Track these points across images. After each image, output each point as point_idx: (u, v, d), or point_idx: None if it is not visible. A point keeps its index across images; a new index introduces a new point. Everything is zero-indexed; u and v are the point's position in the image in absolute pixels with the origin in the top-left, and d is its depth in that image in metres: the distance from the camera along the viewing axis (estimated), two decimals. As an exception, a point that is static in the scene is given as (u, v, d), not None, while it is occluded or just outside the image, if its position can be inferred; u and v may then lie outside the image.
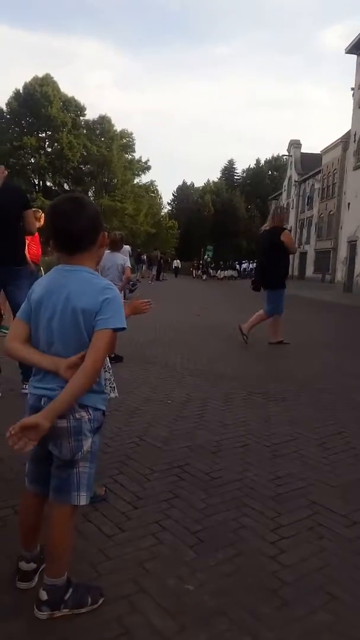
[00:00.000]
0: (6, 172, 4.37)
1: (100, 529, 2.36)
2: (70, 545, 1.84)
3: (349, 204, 26.69)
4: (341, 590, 2.01)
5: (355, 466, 3.26)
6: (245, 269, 48.17)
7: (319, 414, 4.38)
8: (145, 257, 32.56)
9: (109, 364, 3.18)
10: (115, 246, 6.05)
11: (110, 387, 3.15)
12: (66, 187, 47.76)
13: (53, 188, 47.69)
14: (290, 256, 8.68)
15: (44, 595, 1.76)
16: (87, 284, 1.72)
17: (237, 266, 49.64)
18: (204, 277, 42.89)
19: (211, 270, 45.62)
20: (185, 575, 2.04)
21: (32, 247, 6.95)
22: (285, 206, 51.52)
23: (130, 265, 6.51)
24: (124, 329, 1.74)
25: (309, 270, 43.59)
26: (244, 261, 50.26)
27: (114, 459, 3.15)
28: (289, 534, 2.39)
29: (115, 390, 3.15)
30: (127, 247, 16.27)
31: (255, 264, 42.47)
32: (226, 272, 46.45)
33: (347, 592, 2.00)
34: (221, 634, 1.73)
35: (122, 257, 6.20)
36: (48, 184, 48.67)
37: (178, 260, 45.33)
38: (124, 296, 9.06)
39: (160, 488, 2.79)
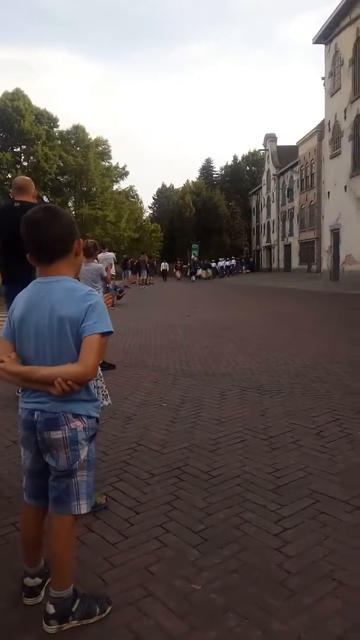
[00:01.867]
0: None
1: (104, 537, 2.35)
2: (73, 556, 1.84)
3: (328, 192, 26.84)
4: (347, 575, 2.02)
5: (353, 452, 3.28)
6: (222, 267, 44.72)
7: (314, 404, 4.40)
8: (131, 262, 32.29)
9: (100, 372, 3.18)
10: (88, 253, 5.76)
11: (103, 394, 3.15)
12: (45, 199, 47.54)
13: (32, 201, 47.46)
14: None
15: (51, 609, 1.75)
16: (69, 293, 1.71)
17: (214, 264, 45.39)
18: (193, 278, 38.05)
19: (200, 270, 40.92)
20: (191, 575, 2.04)
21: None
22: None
23: (105, 274, 6.38)
24: (111, 332, 1.73)
25: (295, 262, 43.80)
26: (220, 259, 46.36)
27: (112, 467, 3.15)
28: (292, 525, 2.41)
29: (108, 398, 3.15)
30: (111, 254, 16.29)
31: (232, 261, 40.46)
32: (205, 271, 42.23)
33: (353, 577, 2.01)
34: (231, 630, 1.74)
35: (97, 266, 6.13)
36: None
37: (166, 263, 42.08)
38: (112, 303, 9.06)
39: (160, 491, 2.80)
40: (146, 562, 2.14)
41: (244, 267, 51.58)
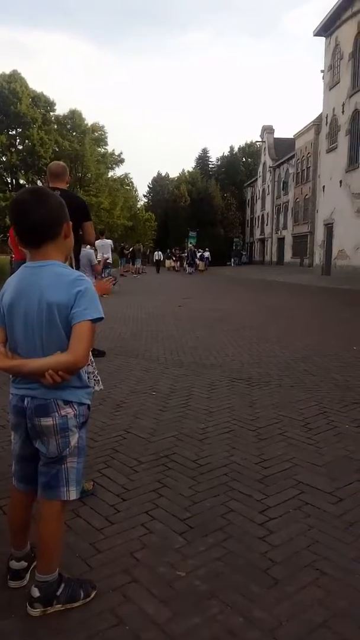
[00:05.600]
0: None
1: (90, 523, 2.36)
2: (60, 541, 1.85)
3: (323, 187, 26.84)
4: (330, 565, 2.05)
5: (339, 444, 3.32)
6: (208, 258, 38.54)
7: (302, 396, 4.43)
8: (127, 251, 31.93)
9: (92, 357, 3.18)
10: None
11: (95, 380, 3.15)
12: (39, 183, 47.19)
13: (26, 185, 47.10)
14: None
15: (36, 592, 1.76)
16: (58, 278, 1.69)
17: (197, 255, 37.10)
18: (190, 270, 33.37)
19: (197, 261, 35.23)
20: (176, 562, 2.06)
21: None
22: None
23: (95, 261, 6.39)
24: (101, 318, 1.72)
25: (287, 255, 43.86)
26: (199, 250, 38.28)
27: (100, 453, 3.15)
28: (277, 515, 2.43)
29: (100, 383, 3.15)
30: (108, 242, 16.23)
31: (206, 252, 35.47)
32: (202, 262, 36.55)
33: (335, 567, 2.04)
34: (214, 617, 1.76)
35: (88, 252, 6.13)
36: (21, 181, 48.01)
37: (159, 252, 38.20)
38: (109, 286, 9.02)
39: (148, 478, 2.81)
40: (131, 548, 2.15)
41: (232, 260, 50.64)
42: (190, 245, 39.25)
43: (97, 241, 8.79)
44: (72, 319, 1.66)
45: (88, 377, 3.00)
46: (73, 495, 1.78)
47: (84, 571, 2.00)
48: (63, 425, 1.72)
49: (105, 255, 13.39)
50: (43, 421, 1.70)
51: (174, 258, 40.39)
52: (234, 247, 54.46)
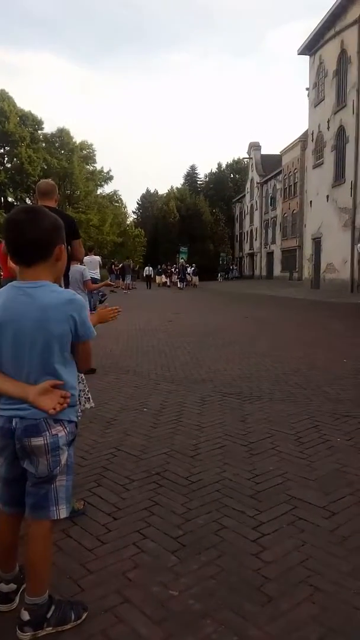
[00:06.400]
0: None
1: (81, 543, 2.33)
2: (50, 562, 1.81)
3: (310, 202, 27.16)
4: (324, 581, 2.03)
5: (331, 458, 3.31)
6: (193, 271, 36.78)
7: (294, 410, 4.43)
8: (116, 267, 31.92)
9: (82, 375, 3.17)
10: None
11: (85, 397, 3.14)
12: (28, 201, 47.26)
13: (15, 203, 47.14)
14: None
15: (25, 616, 1.72)
16: (53, 304, 1.68)
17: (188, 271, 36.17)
18: (181, 285, 32.88)
19: (188, 276, 34.90)
20: (169, 582, 2.03)
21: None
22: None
23: (89, 278, 6.39)
24: (94, 336, 1.77)
25: (277, 269, 44.17)
26: (189, 266, 37.36)
27: (91, 472, 3.12)
28: (270, 531, 2.41)
29: (91, 400, 3.14)
30: (97, 258, 16.21)
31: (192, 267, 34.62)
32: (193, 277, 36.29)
33: (329, 583, 2.02)
34: (208, 637, 1.73)
35: (80, 268, 6.12)
36: (10, 199, 48.09)
37: (150, 268, 37.12)
38: (94, 307, 9.01)
39: (139, 497, 2.78)
40: (123, 568, 2.12)
41: (220, 275, 49.85)
42: (181, 260, 38.89)
43: (85, 257, 8.80)
44: (74, 341, 1.74)
45: (79, 395, 2.99)
46: (63, 513, 1.76)
47: (75, 592, 1.97)
48: (54, 444, 1.70)
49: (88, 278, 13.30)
50: (34, 441, 1.68)
51: (165, 274, 39.68)
52: (220, 262, 53.93)
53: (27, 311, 1.67)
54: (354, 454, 3.37)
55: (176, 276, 35.81)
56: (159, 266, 41.39)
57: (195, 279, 35.89)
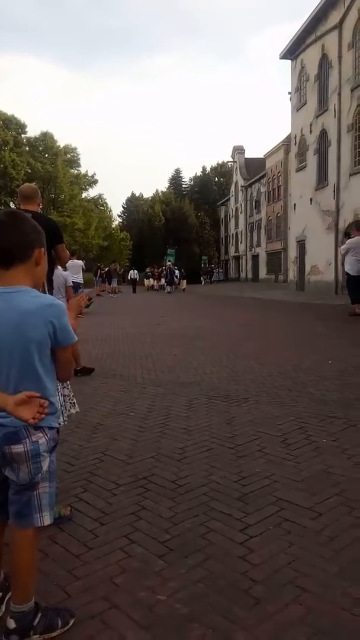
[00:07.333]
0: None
1: (67, 549, 2.31)
2: (35, 569, 1.80)
3: (294, 204, 27.35)
4: (311, 582, 2.04)
5: (317, 459, 3.33)
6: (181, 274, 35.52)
7: (280, 412, 4.45)
8: (102, 270, 31.71)
9: (67, 381, 3.14)
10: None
11: (70, 402, 3.11)
12: (12, 205, 46.98)
13: (-1, 208, 46.86)
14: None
15: (12, 624, 1.71)
16: (31, 309, 1.66)
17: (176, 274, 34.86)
18: (169, 288, 32.09)
19: (176, 279, 33.73)
20: (156, 586, 2.03)
21: None
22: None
23: (71, 284, 6.39)
24: (75, 341, 1.77)
25: (262, 272, 44.40)
26: (176, 268, 35.96)
27: (77, 477, 3.10)
28: (257, 533, 2.42)
29: (76, 406, 3.12)
30: (79, 262, 16.10)
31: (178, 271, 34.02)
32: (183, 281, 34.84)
33: (316, 584, 2.03)
34: (195, 641, 1.73)
35: (63, 273, 6.10)
36: (-7, 203, 47.80)
37: (136, 271, 36.61)
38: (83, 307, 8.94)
39: (126, 501, 2.77)
40: (111, 574, 2.11)
41: (202, 278, 49.32)
42: (168, 263, 37.49)
43: (68, 262, 8.77)
44: (53, 346, 1.72)
45: (64, 400, 2.97)
46: (47, 520, 1.74)
47: (62, 599, 1.95)
48: (35, 451, 1.69)
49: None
50: (14, 449, 1.67)
51: (152, 277, 38.47)
52: (202, 265, 53.17)
53: (5, 317, 1.65)
54: (339, 454, 3.40)
55: (164, 279, 34.60)
56: (147, 269, 40.45)
57: (183, 282, 35.05)
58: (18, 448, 1.67)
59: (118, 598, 1.95)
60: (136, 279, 36.18)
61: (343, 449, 3.49)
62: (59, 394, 2.69)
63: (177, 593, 1.98)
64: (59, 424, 1.82)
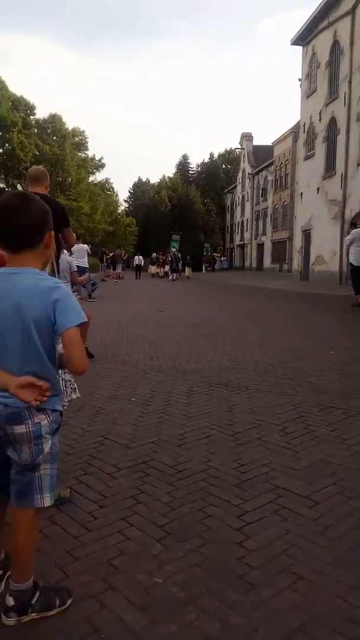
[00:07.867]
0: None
1: (67, 530, 2.34)
2: (34, 549, 1.83)
3: (301, 193, 27.15)
4: (306, 569, 2.07)
5: (316, 448, 3.35)
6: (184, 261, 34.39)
7: (280, 400, 4.46)
8: (107, 256, 31.58)
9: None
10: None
11: (72, 387, 3.12)
12: (19, 187, 46.82)
13: (6, 189, 46.62)
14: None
15: (10, 601, 1.74)
16: (33, 289, 1.65)
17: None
18: (174, 276, 31.22)
19: (179, 267, 32.54)
20: (153, 569, 2.05)
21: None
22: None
23: (76, 269, 6.39)
24: (84, 322, 1.72)
25: (267, 261, 44.25)
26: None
27: (78, 460, 3.13)
28: (254, 519, 2.44)
29: (77, 391, 3.13)
30: (84, 246, 16.05)
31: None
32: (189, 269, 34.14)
33: (311, 571, 2.05)
34: (191, 623, 1.76)
35: (68, 258, 6.11)
36: (1, 185, 47.61)
37: (140, 257, 35.27)
38: (89, 295, 8.95)
39: (126, 485, 2.80)
40: (109, 556, 2.14)
41: (204, 266, 48.45)
42: (173, 249, 36.21)
43: (74, 246, 8.75)
44: (57, 329, 1.66)
45: (65, 385, 2.99)
46: (47, 502, 1.77)
47: (60, 579, 1.98)
48: (36, 432, 1.71)
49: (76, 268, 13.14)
50: (16, 429, 1.68)
51: (158, 263, 37.87)
52: (204, 253, 51.58)
53: (7, 297, 1.65)
54: (338, 444, 3.42)
55: (169, 266, 33.59)
56: (153, 255, 39.55)
57: (189, 270, 34.46)
58: (20, 429, 1.68)
59: (115, 580, 1.98)
60: (140, 264, 35.20)
61: (342, 439, 3.51)
62: (60, 378, 2.70)
63: (173, 576, 2.01)
64: (63, 407, 1.83)
